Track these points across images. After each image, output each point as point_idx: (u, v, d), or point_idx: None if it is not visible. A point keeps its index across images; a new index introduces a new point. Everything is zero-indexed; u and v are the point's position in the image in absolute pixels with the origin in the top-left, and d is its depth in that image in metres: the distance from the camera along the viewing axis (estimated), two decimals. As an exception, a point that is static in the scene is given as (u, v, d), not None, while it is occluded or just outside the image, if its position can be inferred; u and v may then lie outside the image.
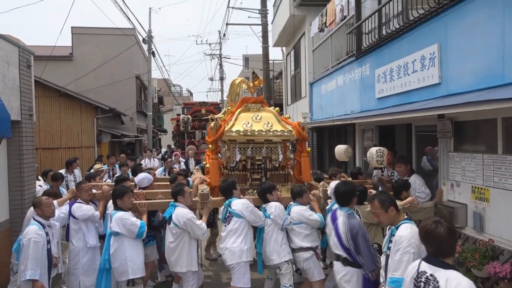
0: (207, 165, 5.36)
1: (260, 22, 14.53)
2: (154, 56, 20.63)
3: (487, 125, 4.22)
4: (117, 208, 4.43)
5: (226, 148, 5.30)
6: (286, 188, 5.15)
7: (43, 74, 14.60)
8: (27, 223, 4.42)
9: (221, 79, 33.67)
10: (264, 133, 4.92)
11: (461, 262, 4.11)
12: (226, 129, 4.95)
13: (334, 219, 3.92)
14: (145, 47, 21.43)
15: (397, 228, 3.07)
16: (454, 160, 4.72)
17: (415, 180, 5.19)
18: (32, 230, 3.97)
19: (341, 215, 3.86)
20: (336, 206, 4.05)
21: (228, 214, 4.53)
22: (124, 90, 21.54)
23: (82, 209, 4.66)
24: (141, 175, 5.57)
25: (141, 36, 20.78)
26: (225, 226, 4.54)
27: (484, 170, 4.19)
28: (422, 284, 2.29)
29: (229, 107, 5.66)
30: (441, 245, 2.30)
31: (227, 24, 22.01)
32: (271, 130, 4.96)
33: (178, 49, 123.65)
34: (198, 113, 16.47)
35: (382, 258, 3.24)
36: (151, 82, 21.64)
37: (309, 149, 5.44)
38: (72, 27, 21.63)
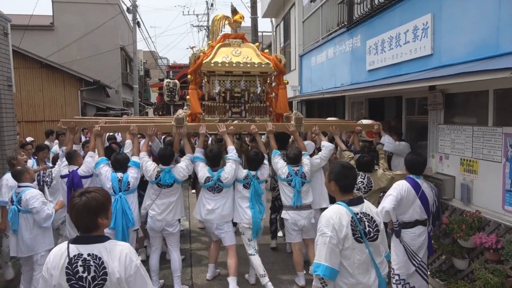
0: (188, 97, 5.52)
1: (248, -8, 14.10)
2: (139, 26, 19.95)
3: (478, 97, 4.19)
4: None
5: (206, 80, 5.48)
6: (264, 119, 5.32)
7: (23, 44, 14.05)
8: None
9: (209, 51, 32.94)
10: (242, 65, 5.06)
11: (448, 233, 4.17)
12: (205, 61, 5.06)
13: (418, 189, 3.93)
14: (129, 17, 20.72)
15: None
16: (444, 133, 4.72)
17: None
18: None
19: (423, 183, 3.96)
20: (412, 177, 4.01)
21: (217, 185, 4.64)
22: (108, 62, 20.98)
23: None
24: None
25: (125, 5, 20.10)
26: (214, 194, 4.67)
27: (474, 142, 4.19)
28: (81, 268, 2.00)
29: (210, 42, 5.71)
30: (80, 220, 2.06)
31: (214, -7, 21.35)
32: (249, 62, 5.09)
33: (164, 20, 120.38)
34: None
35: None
36: (136, 54, 21.00)
37: (286, 81, 5.55)
38: (52, -5, 20.75)
